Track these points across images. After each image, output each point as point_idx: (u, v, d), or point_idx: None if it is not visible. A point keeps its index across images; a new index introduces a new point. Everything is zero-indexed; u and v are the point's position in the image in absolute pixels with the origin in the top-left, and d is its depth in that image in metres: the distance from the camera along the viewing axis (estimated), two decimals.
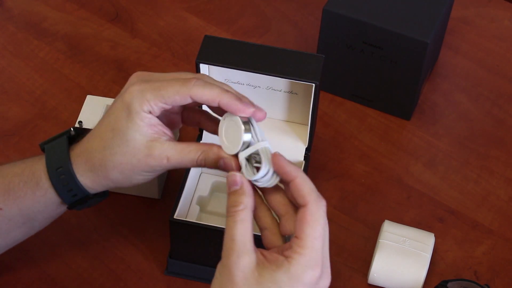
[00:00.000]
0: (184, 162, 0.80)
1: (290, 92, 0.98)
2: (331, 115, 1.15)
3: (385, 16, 1.06)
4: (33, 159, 0.85)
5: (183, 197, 0.95)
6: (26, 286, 0.96)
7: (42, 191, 0.83)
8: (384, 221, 1.01)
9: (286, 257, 0.72)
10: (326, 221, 0.74)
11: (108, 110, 0.82)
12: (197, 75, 0.82)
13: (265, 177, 0.76)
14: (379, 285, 0.98)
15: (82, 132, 0.85)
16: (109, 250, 1.00)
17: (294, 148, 1.00)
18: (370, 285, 0.99)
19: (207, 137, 0.97)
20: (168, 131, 0.81)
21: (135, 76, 0.82)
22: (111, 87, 1.16)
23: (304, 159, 0.99)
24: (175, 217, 0.92)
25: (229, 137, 0.79)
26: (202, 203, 1.00)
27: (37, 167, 0.83)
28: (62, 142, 0.84)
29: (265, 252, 0.74)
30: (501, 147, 1.13)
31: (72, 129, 0.86)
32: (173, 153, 0.79)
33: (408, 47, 1.05)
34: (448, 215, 1.05)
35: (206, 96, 0.78)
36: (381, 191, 1.07)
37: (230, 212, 0.74)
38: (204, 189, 1.00)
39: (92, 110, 1.05)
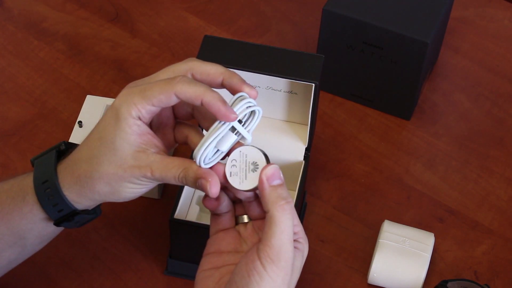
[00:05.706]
0: (167, 178, 0.77)
1: (290, 92, 0.98)
2: (331, 115, 1.15)
3: (385, 16, 1.06)
4: (23, 175, 0.83)
5: (183, 197, 0.95)
6: (25, 286, 0.96)
7: (28, 207, 0.81)
8: (384, 221, 1.01)
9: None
10: None
11: (100, 119, 0.80)
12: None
13: None
14: (379, 285, 0.98)
15: (72, 147, 0.82)
16: (109, 250, 1.00)
17: (294, 148, 1.00)
18: (370, 285, 0.99)
19: None
20: (159, 143, 0.78)
21: (127, 86, 0.80)
22: (111, 87, 1.16)
23: (304, 159, 0.99)
24: (175, 217, 0.92)
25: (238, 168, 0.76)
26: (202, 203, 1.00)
27: (25, 183, 0.81)
28: (51, 156, 0.81)
29: None
30: (501, 147, 1.13)
31: (63, 143, 0.83)
32: (157, 166, 0.76)
33: (408, 47, 1.05)
34: (448, 215, 1.05)
35: (190, 93, 0.75)
36: (381, 191, 1.07)
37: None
38: None
39: (92, 110, 1.05)
